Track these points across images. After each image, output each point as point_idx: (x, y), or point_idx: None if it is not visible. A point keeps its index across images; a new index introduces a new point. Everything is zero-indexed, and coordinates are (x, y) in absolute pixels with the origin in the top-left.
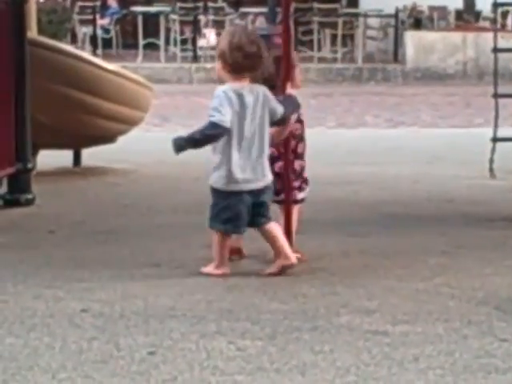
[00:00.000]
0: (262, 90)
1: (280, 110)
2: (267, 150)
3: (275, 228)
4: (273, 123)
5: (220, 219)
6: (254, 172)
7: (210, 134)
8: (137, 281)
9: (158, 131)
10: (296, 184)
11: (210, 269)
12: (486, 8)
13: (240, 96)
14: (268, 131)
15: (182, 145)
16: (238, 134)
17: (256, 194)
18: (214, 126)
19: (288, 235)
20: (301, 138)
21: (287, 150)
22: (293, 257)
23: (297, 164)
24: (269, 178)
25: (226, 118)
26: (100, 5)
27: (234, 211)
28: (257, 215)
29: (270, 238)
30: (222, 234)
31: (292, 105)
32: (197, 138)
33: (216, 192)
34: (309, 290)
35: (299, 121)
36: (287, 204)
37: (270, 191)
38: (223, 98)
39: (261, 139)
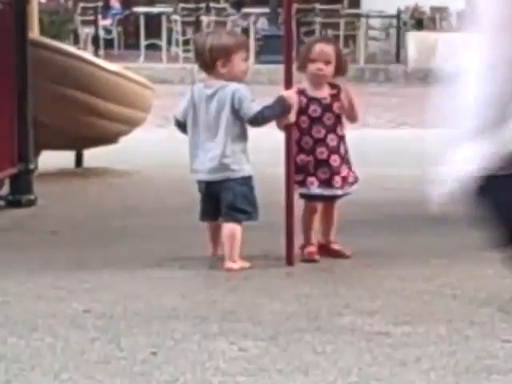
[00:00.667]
0: (230, 88)
1: (251, 110)
2: (228, 145)
3: (226, 231)
4: (249, 122)
5: None
6: (210, 162)
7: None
8: (139, 281)
9: (160, 132)
10: (297, 178)
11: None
12: None
13: (198, 91)
14: (230, 126)
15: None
16: (193, 125)
17: (215, 186)
18: (174, 117)
19: (288, 234)
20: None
21: (289, 144)
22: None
23: (298, 158)
24: (234, 173)
25: (178, 110)
26: (102, 5)
27: (201, 200)
28: (221, 209)
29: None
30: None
31: (277, 106)
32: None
33: None
34: (311, 291)
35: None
36: (288, 200)
37: (233, 187)
38: (184, 94)
39: (218, 133)
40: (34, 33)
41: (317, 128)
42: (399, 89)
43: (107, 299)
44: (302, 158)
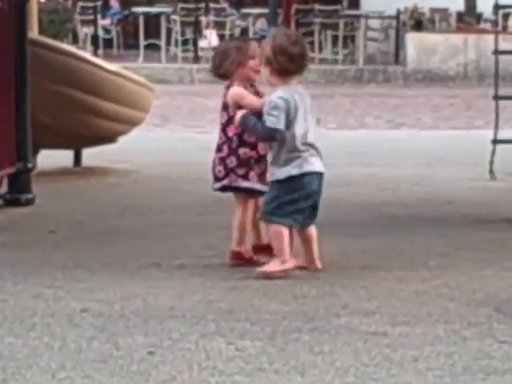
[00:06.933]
0: (302, 90)
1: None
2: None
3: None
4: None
5: None
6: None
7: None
8: (136, 281)
9: (159, 132)
10: (239, 172)
11: None
12: (487, 10)
13: (294, 99)
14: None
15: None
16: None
17: None
18: (270, 130)
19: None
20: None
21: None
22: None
23: (241, 151)
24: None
25: (281, 124)
26: (101, 5)
27: None
28: None
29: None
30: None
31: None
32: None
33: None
34: (308, 291)
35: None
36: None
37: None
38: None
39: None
40: (34, 32)
41: None
42: (398, 89)
43: (105, 298)
44: (245, 151)
